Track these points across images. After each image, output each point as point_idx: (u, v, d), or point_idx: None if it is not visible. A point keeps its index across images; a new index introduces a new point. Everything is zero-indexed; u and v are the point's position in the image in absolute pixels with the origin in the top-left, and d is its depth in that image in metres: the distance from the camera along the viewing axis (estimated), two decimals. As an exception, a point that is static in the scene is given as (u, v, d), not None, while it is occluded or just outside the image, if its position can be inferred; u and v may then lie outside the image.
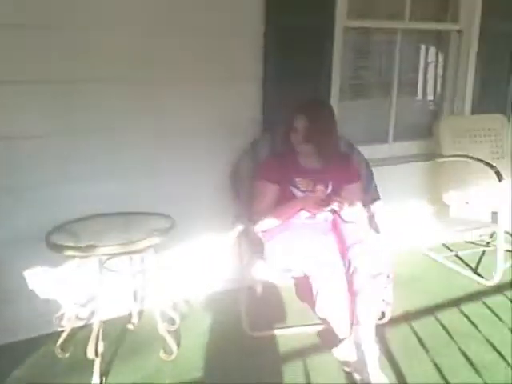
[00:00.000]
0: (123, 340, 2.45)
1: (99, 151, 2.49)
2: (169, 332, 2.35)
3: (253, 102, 2.80)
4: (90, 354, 2.12)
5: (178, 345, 2.36)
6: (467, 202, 3.21)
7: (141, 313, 2.65)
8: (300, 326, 2.56)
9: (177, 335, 2.44)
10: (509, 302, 2.81)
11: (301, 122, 2.41)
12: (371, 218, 2.72)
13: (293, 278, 2.44)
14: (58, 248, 2.14)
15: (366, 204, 2.71)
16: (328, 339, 2.31)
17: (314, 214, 2.44)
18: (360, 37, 3.36)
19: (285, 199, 2.44)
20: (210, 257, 2.89)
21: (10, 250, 2.37)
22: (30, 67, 2.28)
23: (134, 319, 2.59)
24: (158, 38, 2.50)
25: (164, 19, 2.49)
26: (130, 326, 2.56)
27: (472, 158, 3.15)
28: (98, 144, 2.48)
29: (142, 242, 2.19)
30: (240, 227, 2.58)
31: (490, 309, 2.73)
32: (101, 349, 2.14)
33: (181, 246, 2.75)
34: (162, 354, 2.30)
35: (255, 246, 2.47)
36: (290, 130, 2.46)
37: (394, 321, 2.55)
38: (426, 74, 3.78)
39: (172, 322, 2.50)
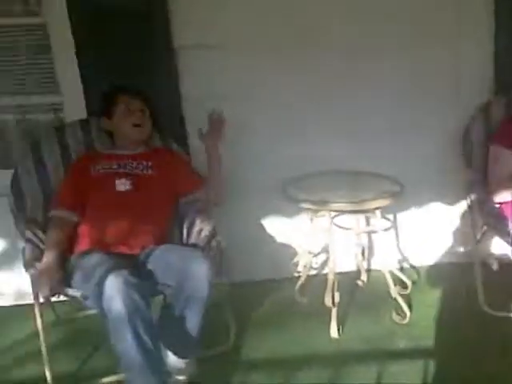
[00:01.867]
0: (354, 295, 2.53)
1: (338, 115, 2.57)
2: (400, 295, 2.37)
3: (483, 60, 2.55)
4: (328, 302, 2.23)
5: (410, 310, 2.36)
6: None
7: (368, 271, 2.71)
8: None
9: (408, 300, 2.44)
10: None
11: None
12: None
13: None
14: (295, 199, 2.27)
15: None
16: None
17: None
18: None
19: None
20: (437, 225, 2.78)
21: (251, 200, 2.59)
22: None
23: (363, 276, 2.65)
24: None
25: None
26: (359, 283, 2.63)
27: None
28: (337, 108, 2.56)
29: (372, 202, 2.20)
30: (473, 196, 2.42)
31: None
32: (337, 299, 2.24)
33: (407, 210, 2.72)
34: (394, 316, 2.32)
35: (491, 219, 2.30)
36: None
37: None
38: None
39: (403, 285, 2.50)
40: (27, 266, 1.89)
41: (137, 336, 1.59)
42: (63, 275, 1.81)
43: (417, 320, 2.31)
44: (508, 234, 2.15)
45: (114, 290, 1.57)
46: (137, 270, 1.79)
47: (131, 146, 2.18)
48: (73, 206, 2.01)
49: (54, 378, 1.94)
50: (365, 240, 2.74)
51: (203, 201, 2.19)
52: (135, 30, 2.31)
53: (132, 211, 1.98)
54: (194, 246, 2.06)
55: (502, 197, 2.25)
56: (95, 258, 1.80)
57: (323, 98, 2.55)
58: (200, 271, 1.72)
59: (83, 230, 1.98)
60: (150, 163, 2.13)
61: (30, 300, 1.94)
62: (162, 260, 1.89)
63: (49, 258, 1.84)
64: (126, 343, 1.59)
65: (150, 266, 1.90)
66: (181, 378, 1.87)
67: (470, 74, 2.58)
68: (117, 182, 2.03)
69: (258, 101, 2.51)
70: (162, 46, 2.36)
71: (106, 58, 2.32)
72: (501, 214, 2.24)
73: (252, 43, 2.45)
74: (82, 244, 1.94)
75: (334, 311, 2.24)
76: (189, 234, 2.15)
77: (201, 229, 2.11)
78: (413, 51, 2.51)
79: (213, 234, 2.06)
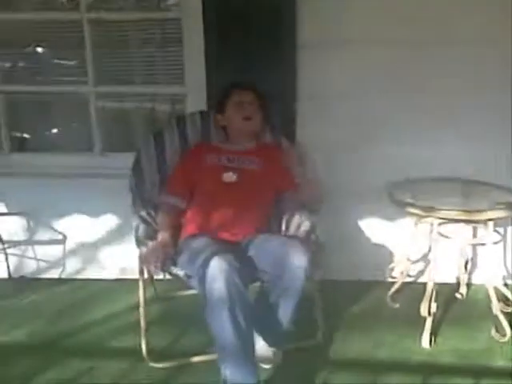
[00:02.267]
0: (451, 307, 2.44)
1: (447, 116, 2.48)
2: (502, 312, 2.23)
3: None
4: (424, 312, 2.17)
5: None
6: None
7: (469, 285, 2.58)
8: None
9: (510, 318, 2.29)
10: None
11: None
12: None
13: None
14: (400, 203, 2.22)
15: None
16: None
17: None
18: None
19: None
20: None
21: (355, 200, 2.57)
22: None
23: (463, 289, 2.53)
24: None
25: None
26: (458, 295, 2.52)
27: None
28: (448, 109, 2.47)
29: (484, 213, 2.10)
30: None
31: None
32: (433, 309, 2.17)
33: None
34: (493, 333, 2.20)
35: None
36: None
37: None
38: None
39: (507, 302, 2.35)
40: (140, 242, 2.04)
41: (234, 318, 1.66)
42: (173, 255, 1.94)
43: (518, 340, 2.17)
44: None
45: (218, 272, 1.65)
46: (239, 256, 1.85)
47: (243, 139, 2.23)
48: (182, 193, 2.14)
49: (148, 351, 2.05)
50: (469, 252, 2.61)
51: (299, 200, 2.22)
52: (262, 28, 2.39)
53: (236, 201, 2.07)
54: (294, 236, 2.10)
55: None
56: (201, 241, 1.91)
57: (451, 100, 2.48)
58: (299, 262, 1.77)
59: (190, 216, 2.11)
60: (257, 159, 2.19)
61: (132, 275, 2.08)
62: (263, 248, 1.96)
63: (164, 236, 2.00)
64: (223, 324, 1.67)
65: (250, 253, 1.97)
66: (266, 366, 1.92)
67: None
68: (224, 174, 2.11)
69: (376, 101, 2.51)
70: (288, 44, 2.42)
71: (231, 55, 2.42)
72: None
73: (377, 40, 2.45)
74: (189, 229, 2.07)
75: (429, 321, 2.18)
76: (287, 227, 2.19)
77: (300, 223, 2.15)
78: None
79: (312, 229, 2.09)
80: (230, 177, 2.11)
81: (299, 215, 2.17)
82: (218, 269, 1.65)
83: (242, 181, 2.11)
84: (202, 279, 1.68)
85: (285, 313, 1.83)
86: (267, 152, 2.26)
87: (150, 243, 1.98)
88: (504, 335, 2.17)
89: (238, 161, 2.18)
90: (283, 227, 2.21)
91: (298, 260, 1.76)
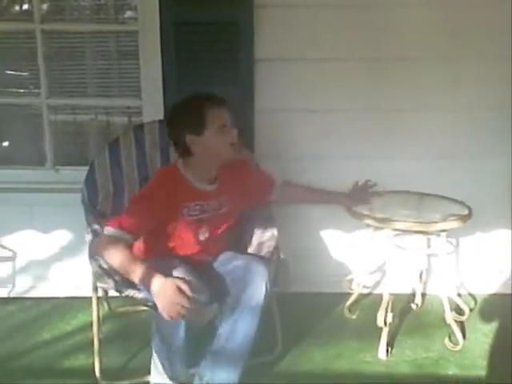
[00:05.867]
0: (407, 317, 2.47)
1: (394, 130, 2.54)
2: (456, 321, 2.28)
3: None
4: (380, 322, 2.19)
5: (464, 337, 2.27)
6: None
7: (424, 295, 2.63)
8: None
9: (462, 327, 2.35)
10: None
11: None
12: None
13: None
14: (357, 215, 2.25)
15: None
16: None
17: None
18: None
19: None
20: (501, 253, 2.67)
21: (313, 212, 2.59)
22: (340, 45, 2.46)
23: (418, 300, 2.58)
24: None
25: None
26: (413, 306, 2.56)
27: None
28: (401, 123, 2.54)
29: (437, 224, 2.16)
30: None
31: None
32: (390, 319, 2.19)
33: (470, 234, 2.63)
34: (447, 342, 2.24)
35: None
36: None
37: None
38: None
39: (459, 312, 2.41)
40: (93, 258, 1.95)
41: (180, 335, 1.65)
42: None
43: (470, 348, 2.23)
44: None
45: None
46: (204, 277, 1.81)
47: (214, 167, 1.93)
48: (137, 233, 1.81)
49: (101, 371, 1.98)
50: (423, 263, 2.66)
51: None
52: (220, 42, 2.39)
53: (207, 252, 1.99)
54: (256, 255, 2.09)
55: None
56: (166, 264, 1.78)
57: (389, 116, 2.54)
58: (259, 282, 1.77)
59: (146, 247, 1.95)
60: (227, 198, 1.97)
61: (86, 293, 2.01)
62: (224, 267, 1.94)
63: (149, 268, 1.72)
64: (168, 339, 1.66)
65: (213, 273, 1.94)
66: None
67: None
68: (199, 231, 1.92)
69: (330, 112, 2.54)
70: (245, 58, 2.42)
71: (190, 68, 2.41)
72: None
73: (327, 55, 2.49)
74: (153, 252, 1.93)
75: (385, 331, 2.20)
76: (251, 243, 2.17)
77: (264, 239, 2.14)
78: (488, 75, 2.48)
79: (275, 246, 2.08)
80: (203, 234, 1.93)
81: (263, 230, 2.15)
82: None
83: (213, 231, 1.96)
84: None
85: (243, 334, 1.80)
86: (232, 175, 1.99)
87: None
88: (457, 344, 2.22)
89: (209, 208, 1.92)
90: (247, 242, 2.18)
91: (259, 280, 1.76)
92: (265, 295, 1.77)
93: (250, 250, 2.15)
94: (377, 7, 2.42)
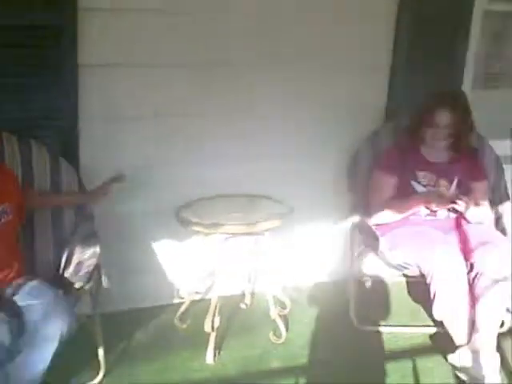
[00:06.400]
0: (236, 318, 2.56)
1: (231, 135, 2.59)
2: (280, 316, 2.42)
3: (378, 90, 2.74)
4: (207, 328, 2.24)
5: (287, 329, 2.41)
6: None
7: (253, 294, 2.74)
8: (410, 326, 2.50)
9: (286, 320, 2.49)
10: None
11: (443, 117, 2.30)
12: (498, 219, 2.56)
13: (405, 276, 2.37)
14: (186, 223, 2.28)
15: (494, 204, 2.55)
16: (441, 343, 2.23)
17: (435, 212, 2.34)
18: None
19: (404, 193, 2.36)
20: (321, 245, 2.89)
21: (142, 222, 2.54)
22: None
23: (247, 299, 2.68)
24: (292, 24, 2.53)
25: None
26: (242, 306, 2.65)
27: None
28: (231, 127, 2.59)
29: (261, 224, 2.27)
30: (355, 218, 2.56)
31: None
32: (217, 324, 2.25)
33: (293, 231, 2.78)
34: (271, 336, 2.37)
35: (369, 239, 2.43)
36: (426, 125, 2.34)
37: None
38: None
39: (283, 306, 2.56)
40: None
41: None
42: None
43: (293, 339, 2.38)
44: (380, 252, 2.27)
45: None
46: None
47: None
48: None
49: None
50: (251, 263, 2.77)
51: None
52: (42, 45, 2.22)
53: None
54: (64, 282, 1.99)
55: (379, 219, 2.40)
56: None
57: (218, 120, 2.58)
58: (53, 332, 1.68)
59: None
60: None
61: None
62: (26, 301, 1.79)
63: None
64: None
65: (18, 303, 1.79)
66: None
67: (365, 104, 2.74)
68: None
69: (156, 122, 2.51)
70: (68, 63, 2.27)
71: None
72: (376, 235, 2.34)
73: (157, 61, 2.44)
74: None
75: (213, 336, 2.25)
76: (67, 265, 2.05)
77: (84, 258, 2.02)
78: (312, 80, 2.63)
79: (96, 265, 1.99)
80: None
81: (81, 250, 2.04)
82: None
83: None
84: None
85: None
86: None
87: None
88: (280, 337, 2.35)
89: None
90: (62, 265, 2.07)
91: (53, 326, 1.68)
92: (59, 343, 1.68)
93: (69, 269, 2.03)
94: (203, 13, 2.42)
